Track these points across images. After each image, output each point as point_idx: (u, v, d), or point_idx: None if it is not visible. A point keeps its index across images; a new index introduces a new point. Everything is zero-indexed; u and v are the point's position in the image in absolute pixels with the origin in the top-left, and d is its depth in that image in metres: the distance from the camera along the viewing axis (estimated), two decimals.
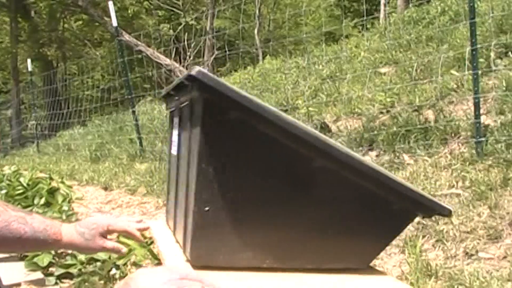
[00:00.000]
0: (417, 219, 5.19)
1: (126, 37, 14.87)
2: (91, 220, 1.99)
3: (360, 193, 1.53)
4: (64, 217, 5.90)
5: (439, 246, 4.82)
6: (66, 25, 29.89)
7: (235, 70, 16.10)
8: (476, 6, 6.88)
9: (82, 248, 1.95)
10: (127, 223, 2.03)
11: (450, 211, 1.58)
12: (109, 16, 10.14)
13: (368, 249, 1.60)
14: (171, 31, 20.84)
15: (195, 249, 1.58)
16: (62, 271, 4.79)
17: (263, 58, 17.97)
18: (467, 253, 4.63)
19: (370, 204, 1.55)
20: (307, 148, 1.45)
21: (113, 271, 4.60)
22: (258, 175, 1.51)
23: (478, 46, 6.54)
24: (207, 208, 1.53)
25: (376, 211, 1.56)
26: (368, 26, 14.85)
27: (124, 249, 2.02)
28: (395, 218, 1.58)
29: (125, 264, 4.61)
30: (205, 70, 1.49)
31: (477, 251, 4.61)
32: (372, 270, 1.64)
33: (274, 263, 1.57)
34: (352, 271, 1.58)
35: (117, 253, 2.06)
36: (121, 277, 4.47)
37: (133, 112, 10.58)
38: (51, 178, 7.84)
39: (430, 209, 1.57)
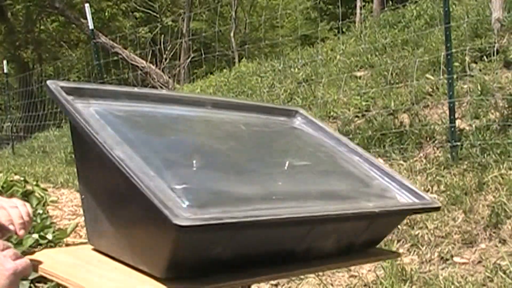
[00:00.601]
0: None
1: (103, 39, 14.81)
2: None
3: (135, 196, 1.43)
4: (38, 220, 5.86)
5: (414, 251, 4.83)
6: (42, 27, 29.73)
7: (211, 73, 16.09)
8: (451, 10, 6.92)
9: None
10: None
11: (179, 226, 1.32)
12: (86, 18, 10.09)
13: (155, 257, 1.48)
14: (149, 33, 20.78)
15: (87, 232, 1.76)
16: (36, 274, 4.75)
17: (239, 60, 17.96)
18: (442, 258, 4.65)
19: (145, 211, 1.44)
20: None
21: None
22: (95, 173, 1.65)
23: (453, 50, 6.58)
24: (83, 196, 1.73)
25: (148, 219, 1.46)
26: (344, 29, 14.90)
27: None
28: (160, 227, 1.40)
29: None
30: (54, 84, 1.67)
31: (452, 256, 4.63)
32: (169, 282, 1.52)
33: (114, 254, 1.64)
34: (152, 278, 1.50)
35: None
36: None
37: None
38: (25, 181, 7.77)
39: (167, 221, 1.31)
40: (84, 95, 1.71)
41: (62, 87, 1.66)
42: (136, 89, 1.89)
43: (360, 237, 1.79)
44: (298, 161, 1.92)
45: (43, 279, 4.76)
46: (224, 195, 1.50)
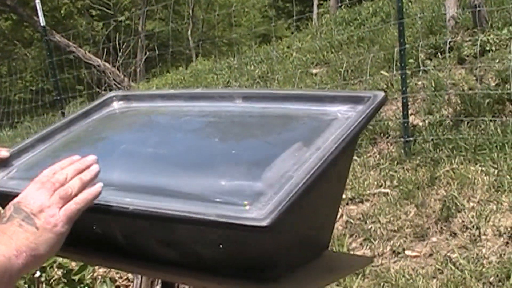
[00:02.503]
0: (345, 218, 5.20)
1: (57, 37, 14.61)
2: None
3: None
4: None
5: (367, 245, 4.84)
6: None
7: (168, 71, 16.01)
8: (407, 7, 6.92)
9: None
10: None
11: None
12: (38, 15, 9.91)
13: None
14: (103, 30, 20.56)
15: None
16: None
17: (197, 59, 17.89)
18: (394, 251, 4.66)
19: None
20: None
21: (37, 273, 4.47)
22: None
23: (407, 46, 6.59)
24: None
25: None
26: (302, 27, 14.90)
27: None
28: None
29: (50, 266, 4.49)
30: (109, 94, 2.01)
31: (403, 249, 4.64)
32: None
33: None
34: None
35: None
36: (46, 280, 4.35)
37: (62, 113, 10.38)
38: None
39: None
40: (131, 99, 2.01)
41: (113, 96, 2.00)
42: (171, 90, 2.08)
43: (193, 247, 1.29)
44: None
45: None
46: None
